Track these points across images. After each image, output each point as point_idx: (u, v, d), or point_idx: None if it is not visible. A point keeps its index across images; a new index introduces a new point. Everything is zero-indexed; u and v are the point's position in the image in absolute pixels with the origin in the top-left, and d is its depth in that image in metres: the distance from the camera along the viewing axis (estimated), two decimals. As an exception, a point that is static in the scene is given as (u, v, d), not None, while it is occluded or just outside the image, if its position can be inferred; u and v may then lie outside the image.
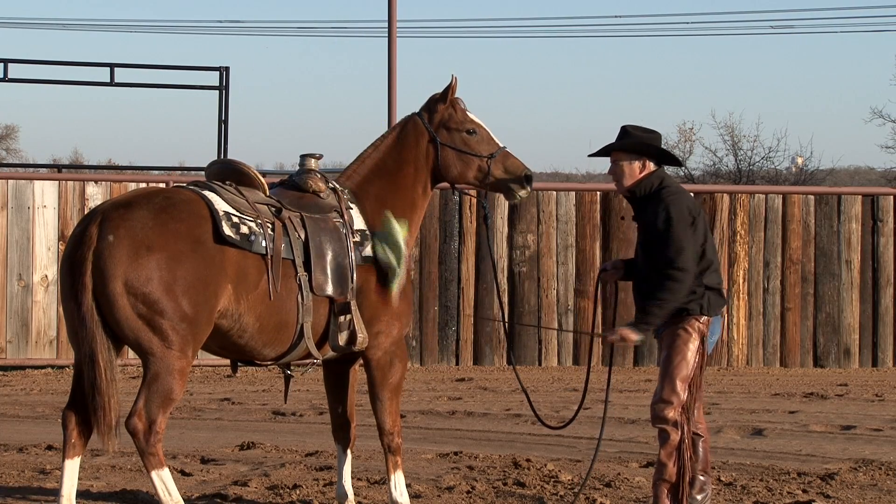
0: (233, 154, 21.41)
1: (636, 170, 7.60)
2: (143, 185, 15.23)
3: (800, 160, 39.06)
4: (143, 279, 6.99)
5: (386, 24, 21.67)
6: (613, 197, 15.95)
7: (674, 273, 7.35)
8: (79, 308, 7.00)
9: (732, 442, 10.98)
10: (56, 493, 7.34)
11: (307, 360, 7.77)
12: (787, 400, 13.50)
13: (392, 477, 7.88)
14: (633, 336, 7.47)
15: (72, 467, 7.23)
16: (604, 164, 58.46)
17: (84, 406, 7.15)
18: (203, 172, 8.23)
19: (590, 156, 7.81)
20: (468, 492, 8.72)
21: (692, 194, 8.40)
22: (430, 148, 7.98)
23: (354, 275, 7.63)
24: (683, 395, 7.47)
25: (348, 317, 7.59)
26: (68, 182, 15.33)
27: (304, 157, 7.93)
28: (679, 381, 7.47)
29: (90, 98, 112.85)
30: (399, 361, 7.86)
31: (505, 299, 15.79)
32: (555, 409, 12.27)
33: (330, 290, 7.54)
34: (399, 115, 15.98)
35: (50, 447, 10.01)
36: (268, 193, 7.68)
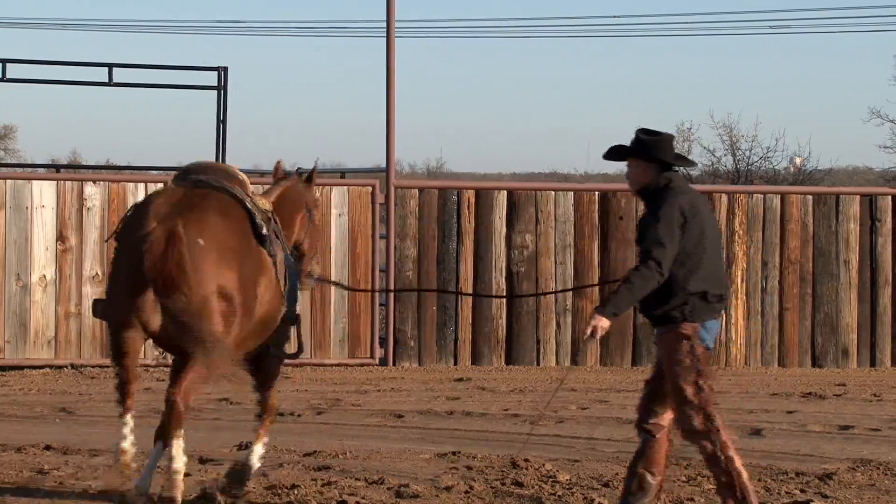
0: (232, 154, 21.44)
1: (641, 172, 7.64)
2: (143, 184, 15.23)
3: (798, 160, 39.09)
4: (226, 279, 7.33)
5: (384, 25, 21.62)
6: (612, 197, 15.96)
7: (649, 262, 7.32)
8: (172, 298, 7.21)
9: (731, 442, 10.96)
10: (55, 493, 7.35)
11: (298, 362, 8.09)
12: (785, 400, 13.50)
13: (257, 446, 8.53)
14: (605, 322, 7.34)
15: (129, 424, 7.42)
16: (603, 165, 58.50)
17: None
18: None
19: (604, 157, 7.88)
20: (466, 492, 8.72)
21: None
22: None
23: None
24: (696, 399, 7.45)
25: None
26: (66, 182, 15.32)
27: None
28: (686, 388, 7.44)
29: (89, 98, 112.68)
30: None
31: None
32: (553, 409, 12.27)
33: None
34: (398, 115, 15.99)
35: (48, 447, 10.00)
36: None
